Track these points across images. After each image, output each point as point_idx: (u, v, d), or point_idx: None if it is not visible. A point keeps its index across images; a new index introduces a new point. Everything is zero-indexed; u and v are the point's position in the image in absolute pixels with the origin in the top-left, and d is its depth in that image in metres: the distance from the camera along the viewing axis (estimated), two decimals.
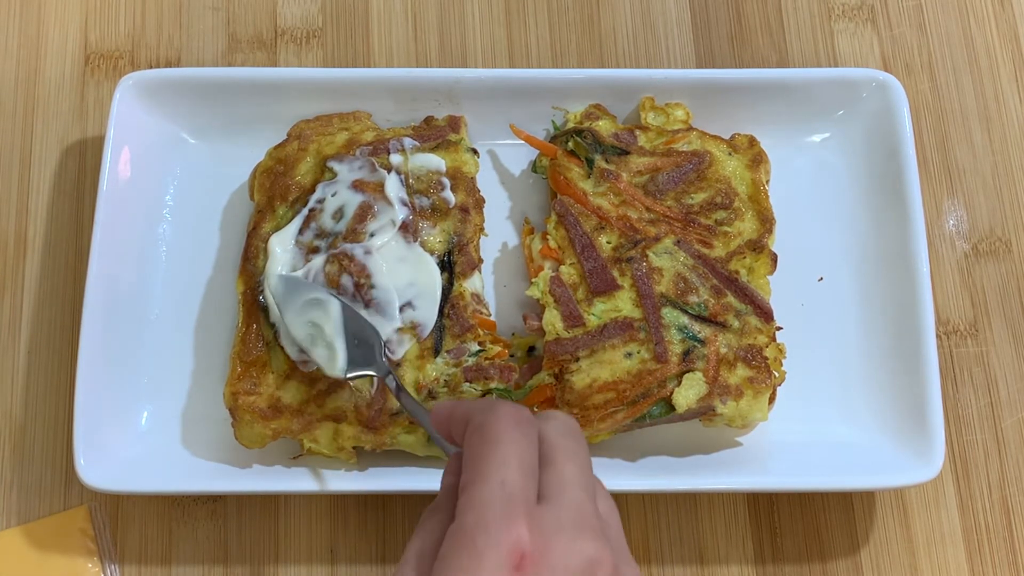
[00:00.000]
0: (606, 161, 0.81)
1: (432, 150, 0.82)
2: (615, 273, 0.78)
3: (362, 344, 0.72)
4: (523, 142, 0.85)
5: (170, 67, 0.92)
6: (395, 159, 0.80)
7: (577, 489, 0.54)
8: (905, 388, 0.79)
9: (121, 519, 0.81)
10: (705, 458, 0.79)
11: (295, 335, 0.73)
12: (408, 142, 0.81)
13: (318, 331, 0.72)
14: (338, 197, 0.79)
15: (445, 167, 0.81)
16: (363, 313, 0.75)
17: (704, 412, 0.76)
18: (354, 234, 0.77)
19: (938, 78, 0.93)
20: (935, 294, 0.85)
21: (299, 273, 0.76)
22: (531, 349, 0.81)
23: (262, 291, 0.77)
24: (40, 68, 0.92)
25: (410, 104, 0.86)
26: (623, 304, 0.77)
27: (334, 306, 0.73)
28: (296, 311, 0.74)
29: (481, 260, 0.81)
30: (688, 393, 0.75)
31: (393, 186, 0.79)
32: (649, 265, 0.78)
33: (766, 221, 0.80)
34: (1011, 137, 0.91)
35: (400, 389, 0.70)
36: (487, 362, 0.76)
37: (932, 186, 0.90)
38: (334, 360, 0.72)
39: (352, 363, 0.72)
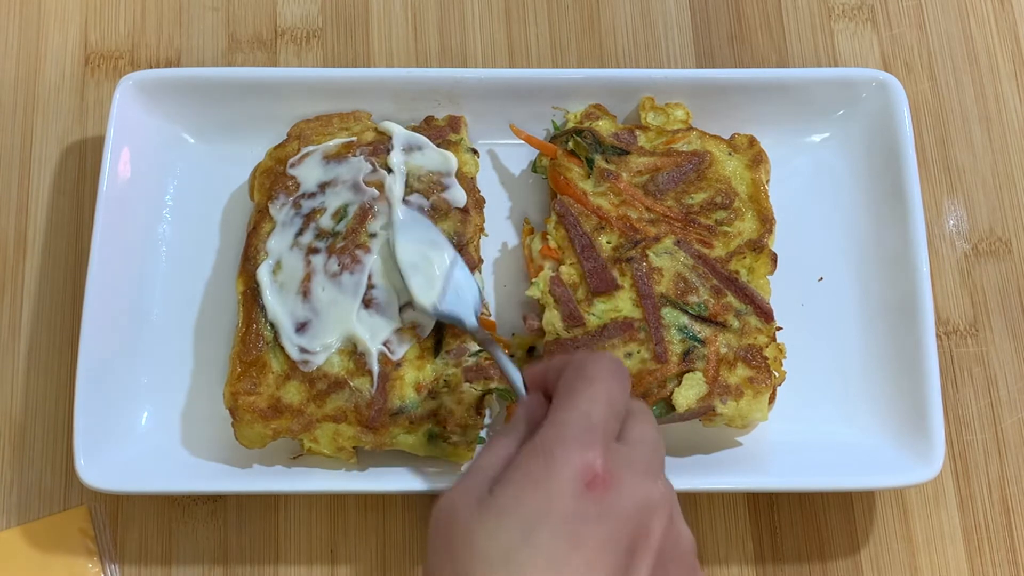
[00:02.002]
0: (606, 161, 0.81)
1: None
2: (615, 273, 0.78)
3: (460, 297, 0.73)
4: (523, 142, 0.85)
5: (170, 67, 0.92)
6: (395, 159, 0.80)
7: (655, 445, 0.58)
8: (905, 388, 0.79)
9: (121, 519, 0.81)
10: (705, 458, 0.79)
11: (399, 256, 0.74)
12: None
13: (426, 264, 0.74)
14: (338, 197, 0.79)
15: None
16: (363, 313, 0.75)
17: (704, 412, 0.76)
18: (354, 234, 0.77)
19: (938, 78, 0.93)
20: (935, 294, 0.85)
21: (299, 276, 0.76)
22: (531, 349, 0.81)
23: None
24: (40, 68, 0.92)
25: (410, 104, 0.86)
26: (623, 304, 0.77)
27: (450, 253, 0.75)
28: (411, 239, 0.75)
29: (481, 260, 0.81)
30: (688, 393, 0.75)
31: (393, 186, 0.79)
32: (649, 265, 0.78)
33: (766, 221, 0.80)
34: (1011, 137, 0.91)
35: (492, 344, 0.71)
36: (487, 362, 0.76)
37: (932, 186, 0.90)
38: (429, 292, 0.73)
39: (445, 304, 0.73)
